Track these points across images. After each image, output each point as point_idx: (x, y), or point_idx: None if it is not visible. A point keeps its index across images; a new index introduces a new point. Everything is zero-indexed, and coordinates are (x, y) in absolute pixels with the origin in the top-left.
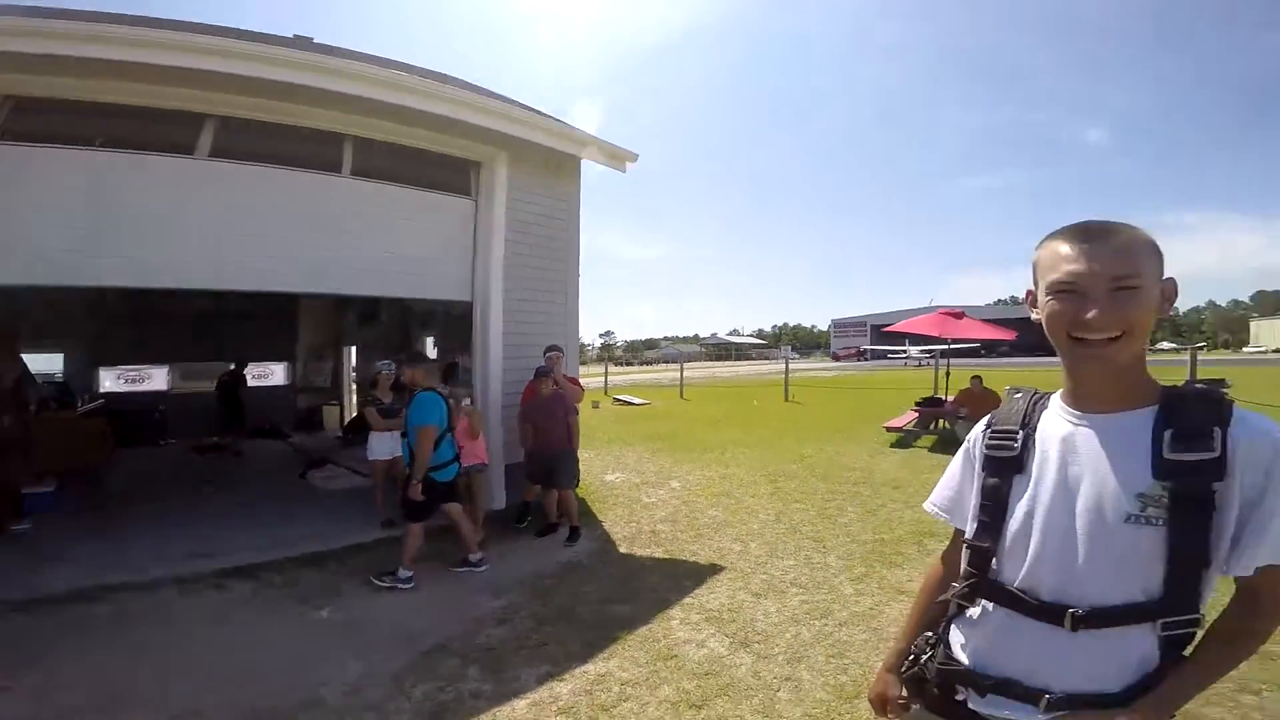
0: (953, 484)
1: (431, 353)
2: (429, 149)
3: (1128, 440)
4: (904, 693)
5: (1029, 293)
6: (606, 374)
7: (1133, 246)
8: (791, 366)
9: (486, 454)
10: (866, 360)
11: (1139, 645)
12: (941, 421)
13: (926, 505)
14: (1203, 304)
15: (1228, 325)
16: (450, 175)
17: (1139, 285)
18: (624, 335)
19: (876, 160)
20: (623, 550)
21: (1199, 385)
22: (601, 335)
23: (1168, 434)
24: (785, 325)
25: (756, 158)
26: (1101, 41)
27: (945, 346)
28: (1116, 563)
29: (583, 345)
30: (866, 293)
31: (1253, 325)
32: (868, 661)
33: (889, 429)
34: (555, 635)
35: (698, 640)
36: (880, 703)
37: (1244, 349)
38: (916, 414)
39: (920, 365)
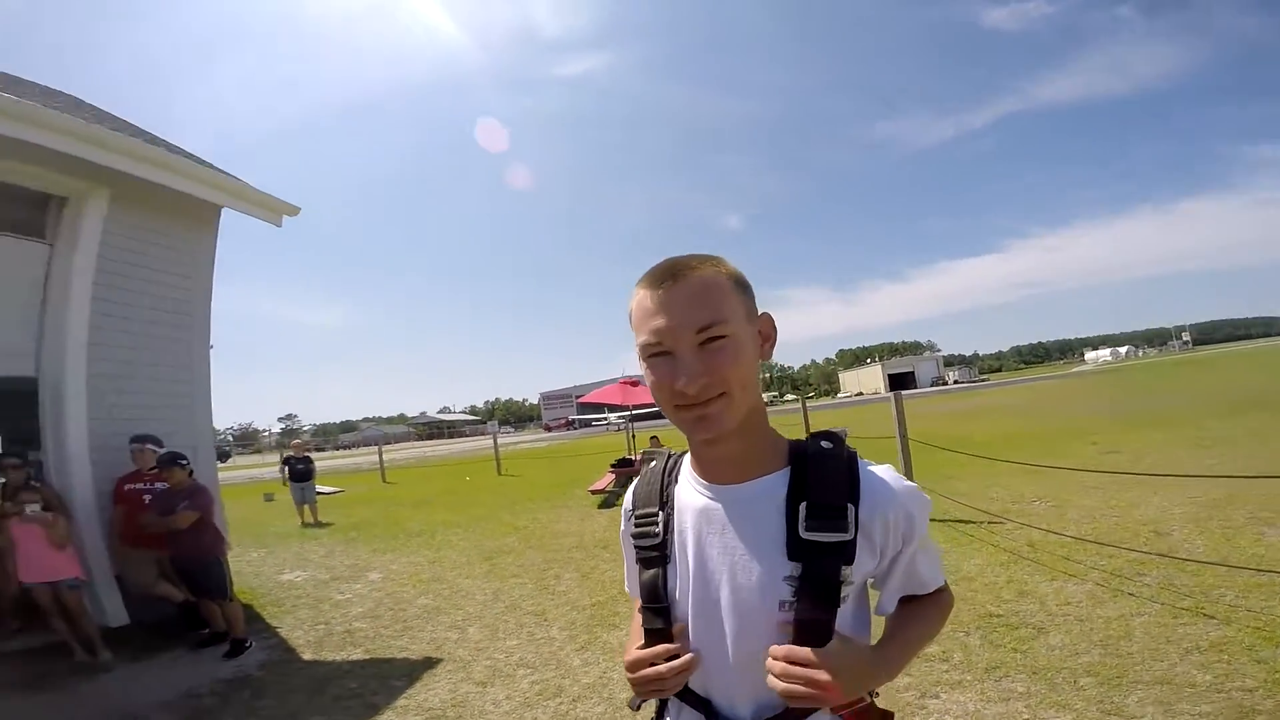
0: (632, 569)
1: None
2: None
3: (761, 516)
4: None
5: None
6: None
7: (711, 288)
8: (506, 440)
9: (80, 566)
10: (575, 429)
11: None
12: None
13: (628, 589)
14: (808, 362)
15: (826, 377)
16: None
17: (727, 334)
18: (313, 418)
19: (572, 239)
20: (308, 656)
21: (823, 443)
22: (282, 420)
23: (802, 508)
24: (497, 400)
25: (470, 238)
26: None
27: (631, 411)
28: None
29: (258, 431)
30: (573, 364)
31: (841, 376)
32: None
33: (593, 492)
34: None
35: None
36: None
37: (838, 395)
38: (613, 475)
39: (619, 430)
